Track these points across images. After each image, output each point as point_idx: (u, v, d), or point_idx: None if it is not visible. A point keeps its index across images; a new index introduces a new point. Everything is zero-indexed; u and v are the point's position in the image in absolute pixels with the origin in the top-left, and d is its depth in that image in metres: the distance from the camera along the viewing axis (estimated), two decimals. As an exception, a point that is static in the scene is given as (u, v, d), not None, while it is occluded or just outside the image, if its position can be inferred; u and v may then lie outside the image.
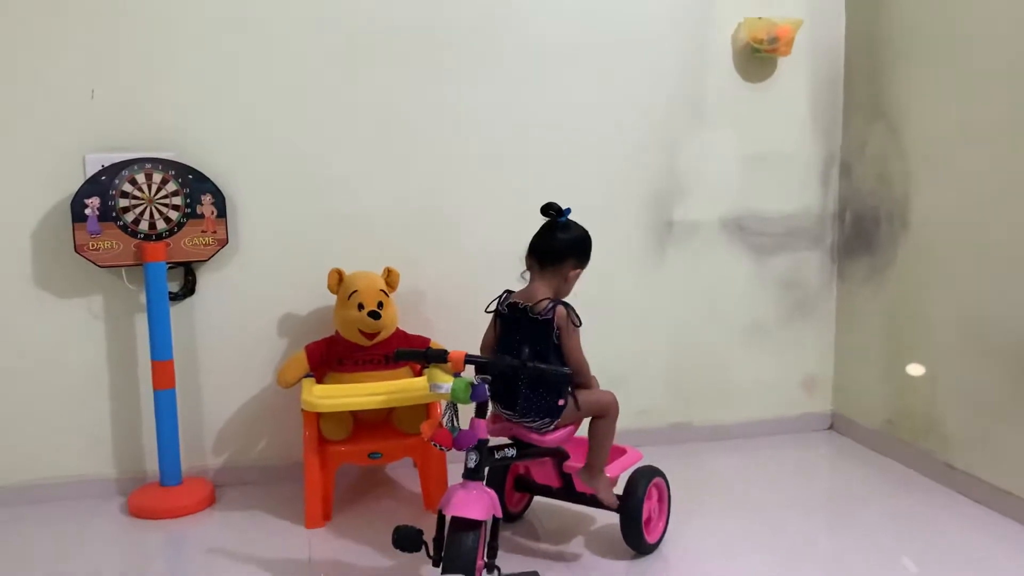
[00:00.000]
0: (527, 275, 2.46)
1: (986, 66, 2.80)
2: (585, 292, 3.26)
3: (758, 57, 3.36)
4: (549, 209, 2.41)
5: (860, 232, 3.45)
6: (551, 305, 2.34)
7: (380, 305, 2.88)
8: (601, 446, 2.46)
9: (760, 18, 3.28)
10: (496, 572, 2.14)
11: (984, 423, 2.87)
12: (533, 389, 2.35)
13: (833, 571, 2.49)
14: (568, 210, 2.42)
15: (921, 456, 3.13)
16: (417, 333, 3.08)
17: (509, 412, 2.36)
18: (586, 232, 2.47)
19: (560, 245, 2.41)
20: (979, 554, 2.54)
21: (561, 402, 2.35)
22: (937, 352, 3.07)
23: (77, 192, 2.83)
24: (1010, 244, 2.73)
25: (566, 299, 2.42)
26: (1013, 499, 2.73)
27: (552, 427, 2.39)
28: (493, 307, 2.44)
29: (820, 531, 2.75)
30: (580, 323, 2.35)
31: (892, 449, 3.28)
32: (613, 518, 2.56)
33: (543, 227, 2.44)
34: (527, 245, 2.44)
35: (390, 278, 2.99)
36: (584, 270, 2.49)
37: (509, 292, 2.46)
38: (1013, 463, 2.75)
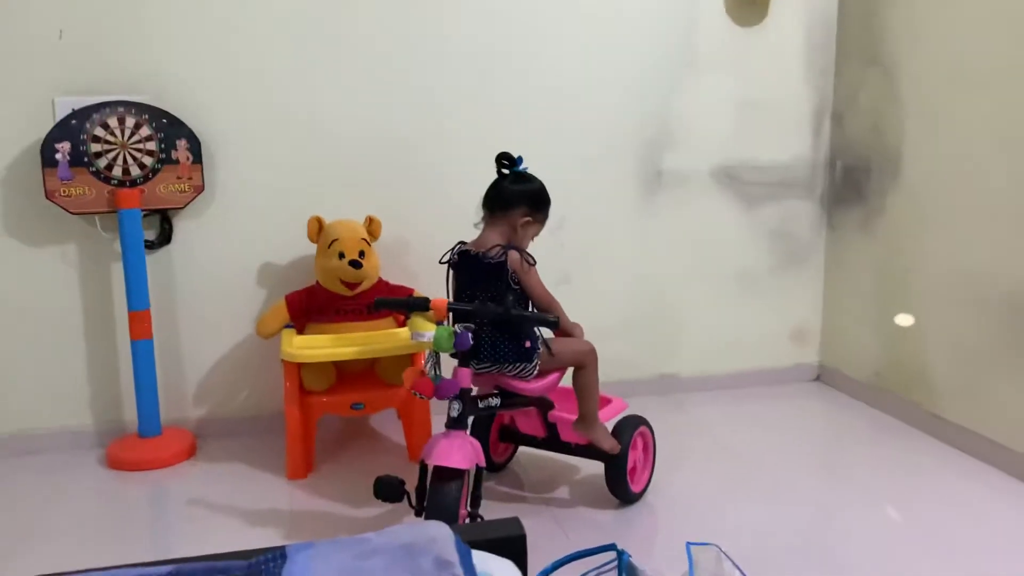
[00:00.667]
0: (480, 226, 2.45)
1: (983, 11, 2.72)
2: (573, 241, 3.25)
3: (750, 0, 3.26)
4: (502, 159, 2.40)
5: (851, 182, 3.39)
6: (503, 250, 2.32)
7: (361, 254, 2.82)
8: (589, 395, 2.44)
9: (753, -41, 3.18)
10: (479, 520, 2.12)
11: (972, 373, 2.85)
12: (497, 335, 2.31)
13: (818, 519, 2.49)
14: (520, 159, 2.41)
15: (909, 406, 3.12)
16: (400, 283, 3.02)
17: (475, 361, 2.32)
18: (540, 183, 2.45)
19: (508, 193, 2.40)
20: (965, 502, 2.54)
21: (528, 344, 2.31)
22: (926, 303, 3.04)
23: (46, 136, 2.74)
24: (1001, 194, 2.68)
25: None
26: (1000, 448, 2.73)
27: (533, 372, 2.35)
28: (447, 258, 2.40)
29: (806, 480, 2.74)
30: (534, 262, 2.35)
31: (880, 400, 3.27)
32: (598, 468, 2.54)
33: (496, 177, 2.43)
34: None
35: (372, 227, 2.92)
36: (540, 227, 2.46)
37: (462, 243, 2.42)
38: (1000, 413, 2.73)
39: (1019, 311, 2.65)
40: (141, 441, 2.90)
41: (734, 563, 1.70)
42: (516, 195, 2.39)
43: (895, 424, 3.14)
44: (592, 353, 2.44)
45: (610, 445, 2.45)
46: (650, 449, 2.63)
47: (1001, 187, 2.69)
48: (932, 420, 3.00)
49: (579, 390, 2.44)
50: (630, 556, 1.65)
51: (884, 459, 2.86)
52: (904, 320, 3.14)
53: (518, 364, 2.33)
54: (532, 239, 2.46)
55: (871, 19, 3.22)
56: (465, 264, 2.38)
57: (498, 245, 2.34)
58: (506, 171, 2.41)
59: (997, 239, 2.71)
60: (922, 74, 3.00)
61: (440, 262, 2.41)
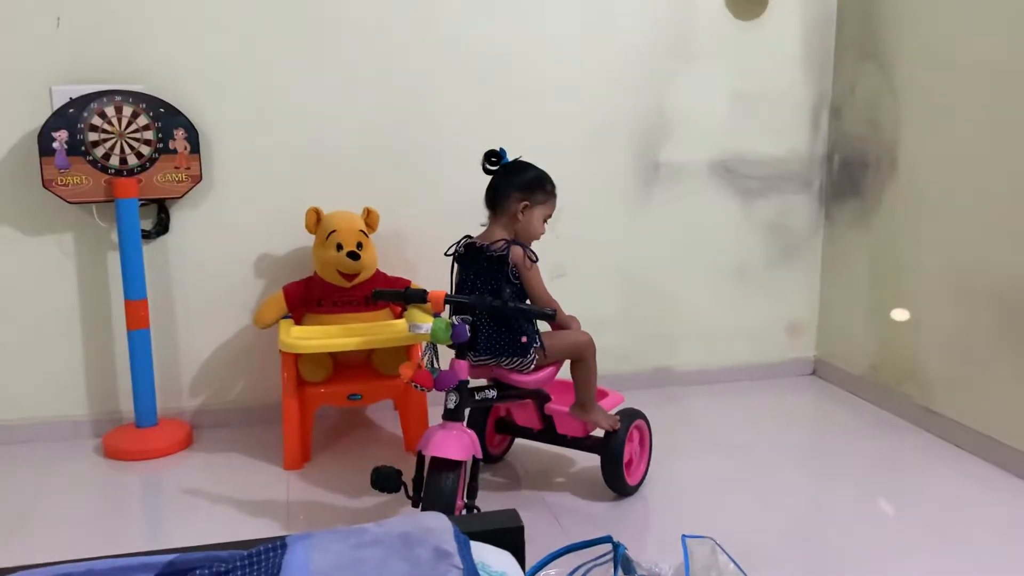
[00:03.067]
0: (486, 224, 2.46)
1: (977, 5, 2.72)
2: (569, 232, 3.25)
3: (749, -6, 3.27)
4: (489, 156, 2.42)
5: (848, 176, 3.40)
6: (507, 244, 2.33)
7: (359, 246, 2.82)
8: (587, 384, 2.45)
9: (752, -47, 3.18)
10: (476, 511, 2.13)
11: (966, 368, 2.86)
12: (495, 328, 2.32)
13: (813, 511, 2.50)
14: (503, 151, 2.42)
15: (903, 401, 3.13)
16: (398, 275, 3.02)
17: (472, 353, 2.33)
18: (531, 168, 2.45)
19: (500, 184, 2.41)
20: (957, 495, 2.56)
21: (524, 339, 2.32)
22: (922, 297, 3.05)
23: (44, 125, 2.73)
24: (995, 189, 2.69)
25: (533, 244, 2.41)
26: (993, 443, 2.74)
27: (531, 366, 2.35)
28: (452, 251, 2.41)
29: (801, 473, 2.75)
30: (536, 259, 2.35)
31: (875, 394, 3.28)
32: (594, 461, 2.55)
33: (490, 175, 2.44)
34: None
35: (370, 218, 2.92)
36: (546, 209, 2.45)
37: (469, 236, 2.43)
38: (993, 407, 2.75)
39: (1012, 306, 2.66)
40: (138, 431, 2.90)
41: (729, 556, 1.71)
42: (506, 185, 2.40)
43: (890, 418, 3.16)
44: (590, 345, 2.45)
45: (609, 423, 2.46)
46: (646, 442, 2.63)
47: (995, 182, 2.70)
48: (926, 414, 3.02)
49: (577, 379, 2.46)
50: (626, 548, 1.66)
51: (878, 453, 2.88)
52: (900, 315, 3.15)
53: (515, 358, 2.34)
54: (545, 221, 2.45)
55: (868, 13, 3.23)
56: (470, 257, 2.38)
57: (503, 239, 2.35)
58: (494, 167, 2.43)
59: (991, 234, 2.72)
60: (917, 68, 3.01)
61: (445, 254, 2.41)
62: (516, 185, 2.40)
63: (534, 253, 2.35)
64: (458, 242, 2.42)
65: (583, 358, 2.44)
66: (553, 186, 2.47)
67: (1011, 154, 2.64)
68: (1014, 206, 2.64)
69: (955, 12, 2.83)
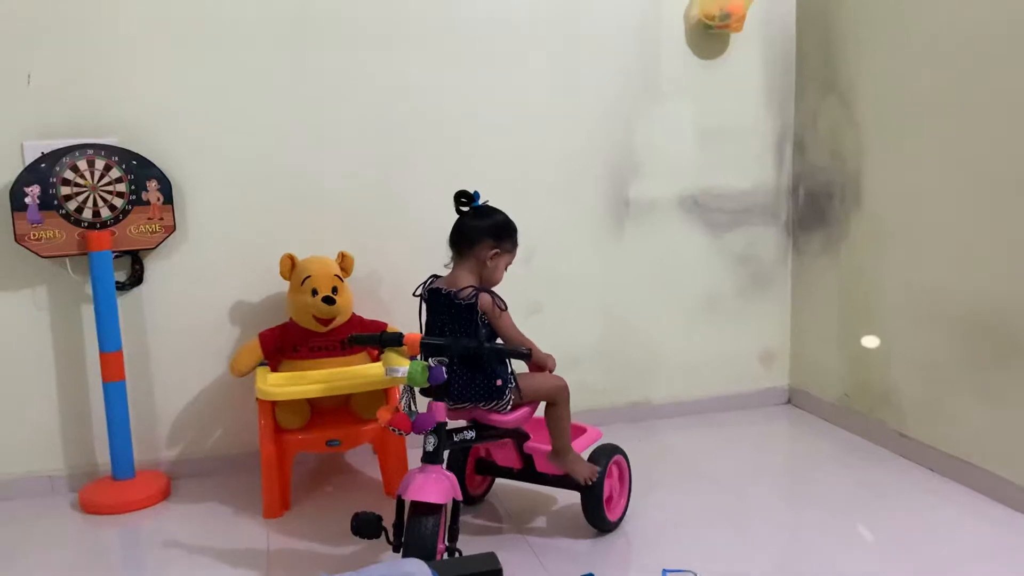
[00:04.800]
0: (450, 266, 2.46)
1: (936, 41, 2.81)
2: (543, 269, 3.28)
3: (711, 33, 3.35)
4: (460, 197, 2.42)
5: (814, 207, 3.47)
6: (475, 292, 2.33)
7: (334, 290, 2.84)
8: (560, 431, 2.45)
9: (712, -6, 3.26)
10: (458, 555, 2.13)
11: (935, 392, 2.91)
12: (468, 375, 2.33)
13: (792, 541, 2.52)
14: (477, 194, 2.42)
15: (877, 426, 3.17)
16: (374, 318, 3.04)
17: (448, 400, 2.33)
18: (501, 214, 2.46)
19: (470, 229, 2.41)
20: (933, 519, 2.59)
21: (499, 382, 2.33)
22: (891, 324, 3.10)
23: (16, 180, 2.74)
24: (957, 218, 2.76)
25: (494, 288, 2.41)
26: (965, 465, 2.78)
27: (507, 407, 2.37)
28: (419, 291, 2.42)
29: (779, 503, 2.78)
30: (505, 307, 2.35)
31: (849, 421, 3.32)
32: (575, 498, 2.56)
33: (458, 216, 2.44)
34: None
35: (344, 263, 2.94)
36: (511, 256, 2.48)
37: (435, 277, 2.44)
38: (964, 431, 2.79)
39: (977, 330, 2.72)
40: (115, 484, 2.87)
41: (709, 589, 1.73)
42: (479, 230, 2.40)
43: (864, 444, 3.19)
44: (564, 389, 2.46)
45: (587, 473, 2.46)
46: (626, 477, 2.65)
47: (956, 211, 2.77)
48: (899, 439, 3.06)
49: (551, 425, 2.45)
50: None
51: (856, 480, 2.91)
52: (870, 341, 3.21)
53: (491, 401, 2.35)
54: (505, 268, 2.48)
55: (828, 48, 3.32)
56: (436, 302, 2.39)
57: (470, 286, 2.35)
58: (465, 208, 2.43)
59: (954, 261, 2.79)
60: (877, 101, 3.09)
61: (413, 295, 2.43)
62: (488, 231, 2.41)
63: (503, 301, 2.36)
64: (425, 282, 2.43)
65: (556, 402, 2.44)
66: (518, 235, 2.50)
67: (970, 183, 2.71)
68: (976, 234, 2.71)
69: (911, 46, 2.92)
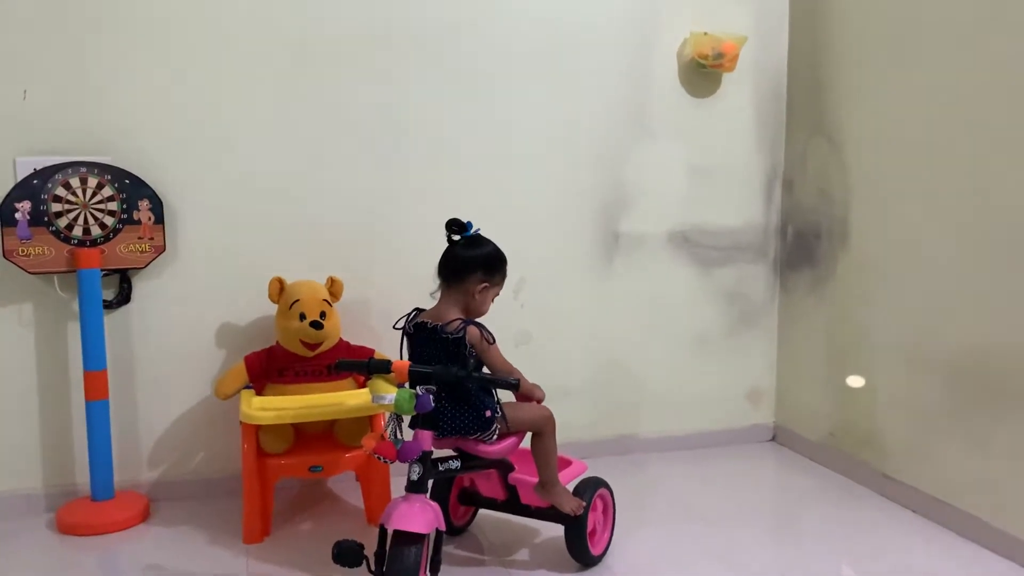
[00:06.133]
0: (437, 294, 2.45)
1: (924, 84, 2.86)
2: (532, 303, 3.29)
3: (703, 72, 3.40)
4: (452, 225, 2.40)
5: (802, 246, 3.50)
6: (462, 325, 2.32)
7: (323, 315, 2.83)
8: (547, 462, 2.44)
9: (706, 34, 3.31)
10: (439, 586, 2.11)
11: (919, 434, 2.92)
12: (456, 407, 2.33)
13: (775, 581, 2.52)
14: (470, 224, 2.41)
15: (861, 467, 3.18)
16: (362, 344, 3.03)
17: (436, 433, 2.31)
18: (492, 246, 2.45)
19: (461, 260, 2.39)
20: (916, 563, 2.59)
21: (488, 413, 2.33)
22: (877, 365, 3.12)
23: (7, 196, 2.73)
24: (943, 260, 2.79)
25: (480, 320, 2.40)
26: (948, 508, 2.79)
27: (493, 437, 2.36)
28: (401, 324, 2.41)
29: (763, 540, 2.77)
30: (493, 340, 2.34)
31: (834, 460, 3.33)
32: (558, 531, 2.54)
33: (448, 245, 2.43)
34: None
35: (333, 287, 2.94)
36: (499, 288, 2.48)
37: (419, 310, 2.43)
38: (948, 473, 2.80)
39: (962, 373, 2.74)
40: (93, 505, 2.84)
41: (692, 627, 1.72)
42: (470, 261, 2.39)
43: (849, 484, 3.19)
44: (550, 420, 2.46)
45: (572, 506, 2.44)
46: (610, 511, 2.64)
47: (942, 253, 2.80)
48: (882, 480, 3.07)
49: (537, 456, 2.45)
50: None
51: (839, 519, 2.90)
52: (855, 381, 3.22)
53: (478, 432, 2.34)
54: (492, 300, 2.48)
55: (817, 90, 3.37)
56: (422, 336, 2.37)
57: (458, 319, 2.34)
58: (456, 237, 2.42)
59: (940, 303, 2.82)
60: (865, 142, 3.13)
61: (394, 327, 2.42)
62: (480, 263, 2.40)
63: (491, 333, 2.34)
64: (408, 316, 2.42)
65: (543, 432, 2.44)
66: (507, 267, 2.49)
67: (957, 226, 2.75)
68: (962, 276, 2.73)
69: (899, 89, 2.97)
